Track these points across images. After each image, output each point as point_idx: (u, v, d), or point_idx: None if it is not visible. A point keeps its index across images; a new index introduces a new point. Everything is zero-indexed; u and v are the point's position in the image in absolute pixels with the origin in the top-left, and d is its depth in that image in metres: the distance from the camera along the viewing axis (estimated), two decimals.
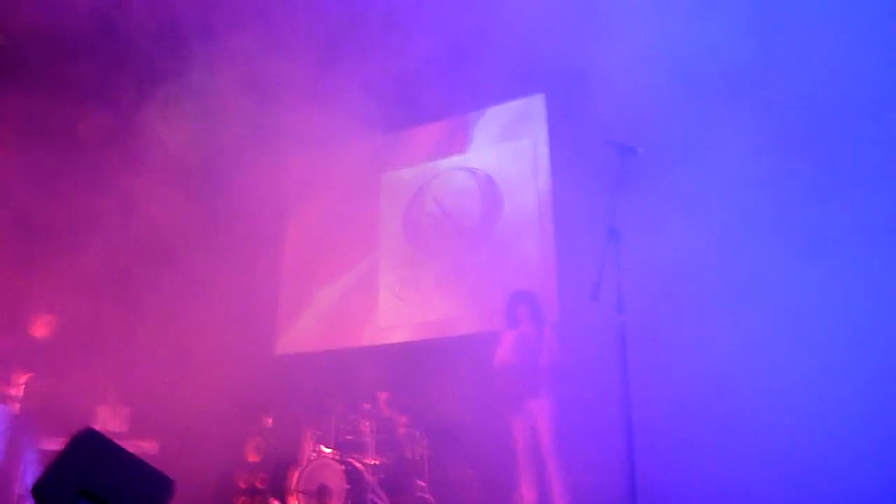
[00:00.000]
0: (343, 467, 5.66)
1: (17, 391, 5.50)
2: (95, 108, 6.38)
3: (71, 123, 6.24)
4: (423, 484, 5.89)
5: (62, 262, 5.98)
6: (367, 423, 6.08)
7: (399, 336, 7.07)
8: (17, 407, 5.51)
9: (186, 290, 6.54)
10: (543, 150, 6.95)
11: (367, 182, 7.87)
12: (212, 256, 6.75)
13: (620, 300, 3.13)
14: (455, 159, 7.48)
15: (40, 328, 5.82)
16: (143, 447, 6.08)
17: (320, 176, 8.21)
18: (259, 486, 6.69)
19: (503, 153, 7.21)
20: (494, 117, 7.41)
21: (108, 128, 6.31)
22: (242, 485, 6.75)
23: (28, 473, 5.48)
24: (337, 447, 6.02)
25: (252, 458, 6.91)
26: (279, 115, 6.52)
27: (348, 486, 5.56)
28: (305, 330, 7.64)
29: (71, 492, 2.13)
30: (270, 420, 6.87)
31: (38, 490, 2.11)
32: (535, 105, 7.15)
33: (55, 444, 5.39)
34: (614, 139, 3.31)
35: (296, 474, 5.85)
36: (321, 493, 5.66)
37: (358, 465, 5.84)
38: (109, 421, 6.34)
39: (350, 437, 6.11)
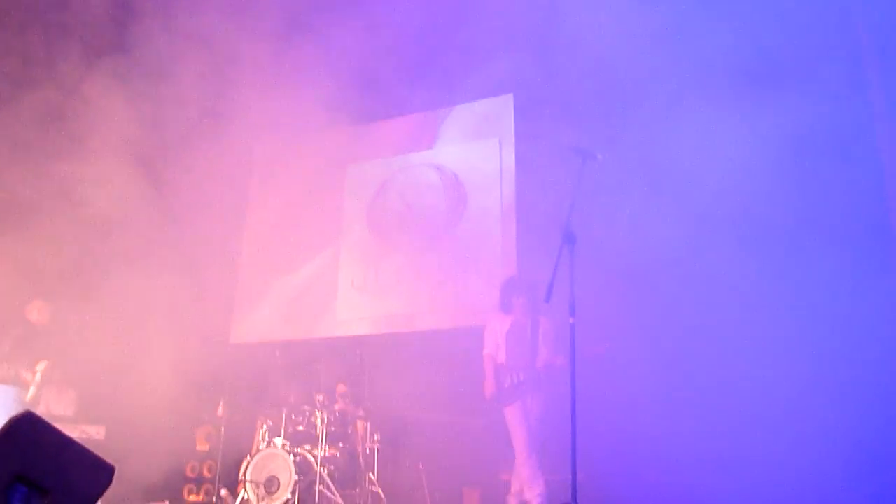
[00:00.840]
0: (293, 458, 5.64)
1: None
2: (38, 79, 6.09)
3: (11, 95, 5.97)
4: (374, 477, 5.90)
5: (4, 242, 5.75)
6: (320, 415, 6.06)
7: (357, 329, 7.06)
8: None
9: (140, 273, 6.40)
10: (509, 149, 7.00)
11: (331, 172, 7.81)
12: (167, 241, 6.63)
13: (572, 303, 3.18)
14: (421, 155, 7.49)
15: None
16: (89, 432, 5.96)
17: (283, 164, 8.12)
18: (207, 474, 6.63)
19: (470, 151, 7.24)
20: (463, 115, 7.43)
21: (53, 102, 6.04)
22: (190, 473, 6.68)
23: None
24: (288, 438, 5.98)
25: (201, 446, 6.84)
26: (241, 99, 6.42)
27: (298, 477, 5.54)
28: (262, 319, 7.57)
29: (6, 476, 2.08)
30: (222, 409, 6.79)
31: None
32: (504, 105, 7.19)
33: None
34: (576, 144, 3.35)
35: (246, 464, 5.81)
36: (270, 483, 5.62)
37: (308, 456, 5.81)
38: (54, 404, 6.19)
39: (302, 429, 6.09)
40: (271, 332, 7.41)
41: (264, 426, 6.19)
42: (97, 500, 2.20)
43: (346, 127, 7.77)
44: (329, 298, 7.28)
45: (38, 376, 5.54)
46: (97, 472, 2.24)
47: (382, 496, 5.78)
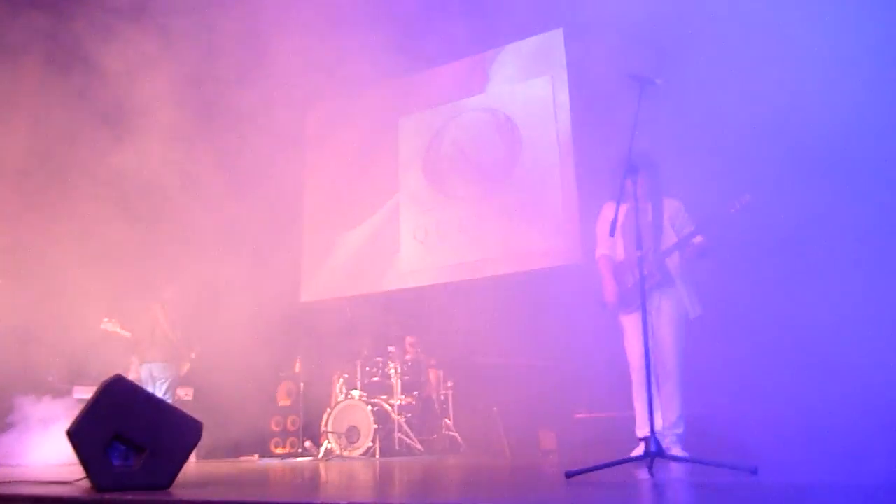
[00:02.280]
0: (371, 408, 5.81)
1: None
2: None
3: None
4: (450, 422, 6.03)
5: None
6: (393, 366, 6.20)
7: (422, 280, 7.12)
8: None
9: (212, 239, 6.60)
10: (562, 86, 6.80)
11: (384, 127, 7.80)
12: (234, 211, 6.79)
13: (639, 236, 3.09)
14: (473, 100, 7.36)
15: None
16: (178, 394, 6.28)
17: (337, 124, 8.14)
18: (291, 428, 6.92)
19: (521, 92, 7.07)
20: (512, 55, 7.24)
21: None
22: (275, 427, 6.98)
23: None
24: (364, 389, 6.16)
25: (283, 402, 7.11)
26: (288, 64, 6.41)
27: (377, 426, 5.72)
28: (329, 276, 7.73)
29: (105, 436, 2.22)
30: (299, 365, 7.04)
31: (74, 434, 2.20)
32: (554, 40, 6.95)
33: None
34: (633, 72, 3.20)
35: (326, 416, 6.03)
36: (351, 433, 5.83)
37: (385, 405, 5.98)
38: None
39: (377, 380, 6.25)
40: (339, 288, 7.57)
41: (341, 379, 6.38)
42: (189, 454, 2.32)
43: (395, 80, 7.70)
44: (392, 251, 7.36)
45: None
46: (187, 429, 2.36)
47: (460, 440, 5.92)
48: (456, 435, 5.94)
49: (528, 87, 7.02)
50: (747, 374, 4.54)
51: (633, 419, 3.83)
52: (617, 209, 3.28)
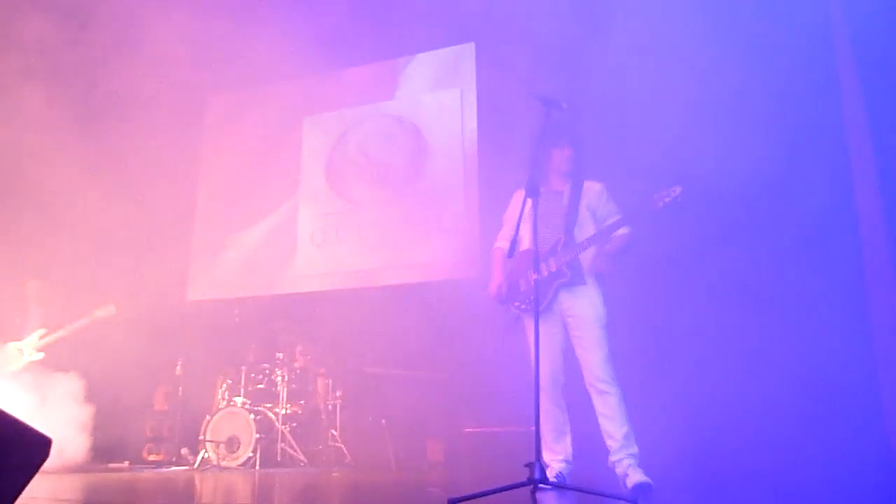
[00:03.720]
0: (254, 416, 5.57)
1: None
2: None
3: None
4: (336, 433, 5.88)
5: None
6: (280, 373, 5.98)
7: (317, 285, 6.92)
8: None
9: (96, 230, 6.14)
10: (471, 100, 6.83)
11: (287, 126, 7.54)
12: (123, 201, 6.36)
13: (536, 259, 3.09)
14: (381, 106, 7.26)
15: None
16: None
17: (239, 116, 7.80)
18: (167, 434, 6.52)
19: (431, 102, 7.04)
20: (423, 64, 7.20)
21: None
22: (150, 433, 6.56)
23: None
24: (248, 396, 5.90)
25: (160, 406, 6.71)
26: (192, 51, 6.08)
27: (259, 435, 5.49)
28: (219, 276, 7.36)
29: None
30: (179, 368, 6.65)
31: None
32: (466, 54, 6.97)
33: None
34: (540, 93, 3.18)
35: (206, 423, 5.72)
36: (231, 442, 5.55)
37: (270, 414, 5.75)
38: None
39: (262, 387, 6.01)
40: (229, 288, 7.23)
41: (224, 385, 6.09)
42: (32, 475, 2.08)
43: (302, 78, 7.48)
44: (287, 254, 7.11)
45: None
46: (33, 446, 2.11)
47: (346, 451, 5.77)
48: (342, 446, 5.78)
49: (436, 97, 7.01)
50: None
51: (522, 435, 3.78)
52: (524, 204, 2.98)
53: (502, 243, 3.60)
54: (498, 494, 2.57)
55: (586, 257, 3.36)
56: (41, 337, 5.80)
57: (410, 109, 7.11)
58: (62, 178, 5.84)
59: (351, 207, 7.05)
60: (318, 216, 7.14)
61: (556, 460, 3.28)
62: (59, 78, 6.19)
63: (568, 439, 3.33)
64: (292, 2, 6.48)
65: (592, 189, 3.49)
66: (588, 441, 3.36)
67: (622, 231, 3.33)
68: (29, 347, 5.77)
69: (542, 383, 3.06)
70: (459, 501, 2.51)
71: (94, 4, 5.85)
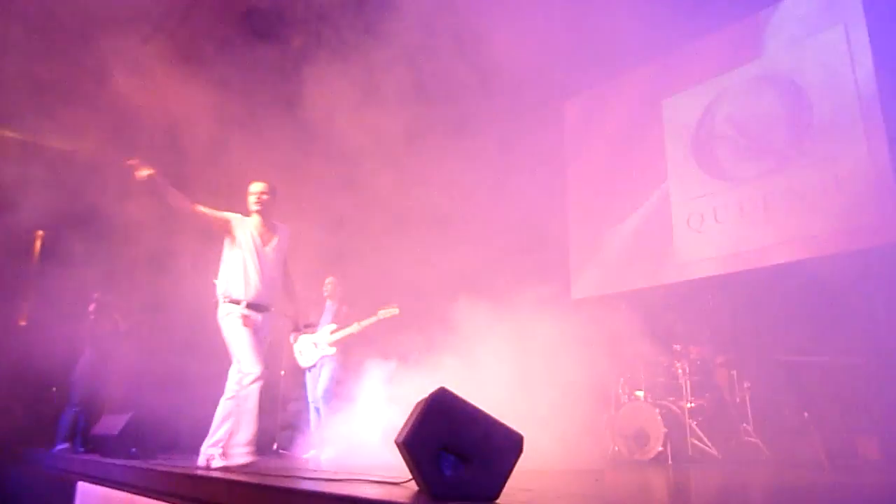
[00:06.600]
0: (658, 410, 5.47)
1: None
2: None
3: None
4: (749, 427, 5.45)
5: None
6: (679, 365, 5.79)
7: (702, 271, 6.57)
8: None
9: (479, 245, 6.71)
10: (861, 34, 5.80)
11: (646, 112, 7.36)
12: (497, 211, 6.87)
13: None
14: (745, 69, 6.62)
15: None
16: None
17: (596, 115, 7.89)
18: None
19: (807, 50, 6.17)
20: (791, 9, 6.37)
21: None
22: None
23: None
24: (647, 390, 5.84)
25: None
26: (540, 60, 6.26)
27: (667, 430, 5.37)
28: (600, 272, 7.48)
29: (434, 447, 2.27)
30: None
31: (409, 444, 2.29)
32: None
33: None
34: None
35: (609, 417, 5.82)
36: (639, 436, 5.54)
37: (674, 408, 5.60)
38: None
39: (661, 380, 5.89)
40: (611, 284, 7.29)
41: (621, 379, 6.12)
42: (513, 466, 2.29)
43: (655, 59, 7.24)
44: (665, 243, 6.90)
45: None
46: (509, 442, 2.33)
47: (762, 447, 5.30)
48: (758, 441, 5.33)
49: (815, 42, 6.11)
50: None
51: None
52: None
53: None
54: None
55: None
56: (332, 332, 5.89)
57: (783, 64, 6.34)
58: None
59: (727, 185, 6.55)
60: (691, 200, 6.79)
61: None
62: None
63: None
64: None
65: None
66: None
67: None
68: (323, 342, 5.91)
69: None
70: None
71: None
